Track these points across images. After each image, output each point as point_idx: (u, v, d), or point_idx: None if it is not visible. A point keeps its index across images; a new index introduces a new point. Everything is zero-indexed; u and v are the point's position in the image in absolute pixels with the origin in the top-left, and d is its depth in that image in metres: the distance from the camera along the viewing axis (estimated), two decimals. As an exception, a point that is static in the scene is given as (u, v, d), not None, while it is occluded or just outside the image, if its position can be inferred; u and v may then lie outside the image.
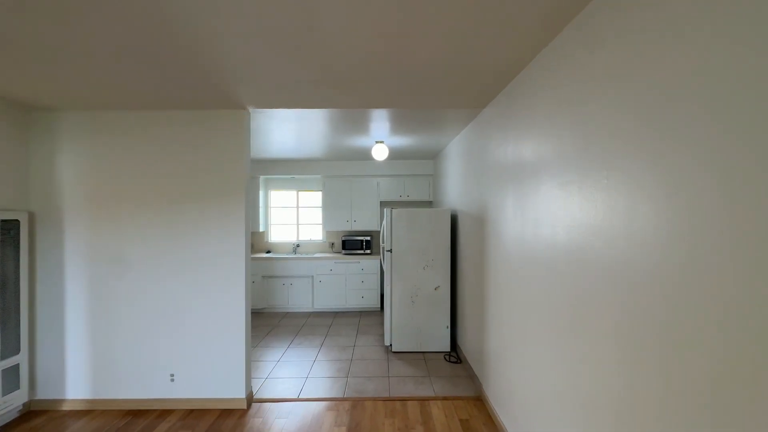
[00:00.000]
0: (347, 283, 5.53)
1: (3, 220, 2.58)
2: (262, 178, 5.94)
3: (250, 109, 2.87)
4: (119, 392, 2.86)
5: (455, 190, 4.15)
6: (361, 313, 5.46)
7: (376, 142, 4.17)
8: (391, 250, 3.94)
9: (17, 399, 2.69)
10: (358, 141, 4.19)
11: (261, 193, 5.95)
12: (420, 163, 5.75)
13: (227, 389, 2.86)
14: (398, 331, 3.92)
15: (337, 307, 5.56)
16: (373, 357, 3.82)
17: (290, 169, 5.76)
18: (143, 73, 2.17)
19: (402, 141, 4.23)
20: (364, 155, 5.10)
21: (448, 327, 3.93)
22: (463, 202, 3.72)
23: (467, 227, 3.53)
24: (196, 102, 2.69)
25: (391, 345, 3.95)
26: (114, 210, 2.84)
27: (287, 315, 5.43)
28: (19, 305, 2.70)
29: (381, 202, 5.87)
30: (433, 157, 5.49)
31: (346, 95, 2.55)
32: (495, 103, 2.67)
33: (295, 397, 3.01)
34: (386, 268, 3.97)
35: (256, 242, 6.16)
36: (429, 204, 5.98)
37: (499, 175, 2.60)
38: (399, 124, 3.49)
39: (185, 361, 2.86)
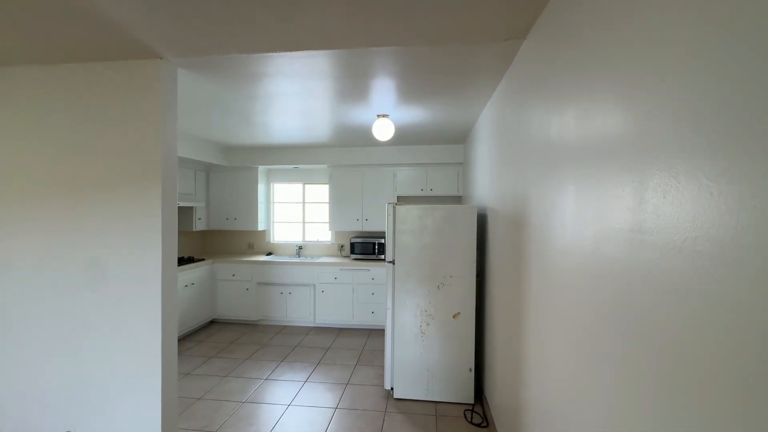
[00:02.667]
0: (355, 295, 4.57)
1: None
2: (261, 168, 5.13)
3: (173, 60, 1.98)
4: (4, 451, 2.13)
5: (485, 181, 3.03)
6: (370, 332, 4.47)
7: (378, 115, 3.14)
8: (393, 261, 2.91)
9: None
10: (363, 115, 3.18)
11: (261, 186, 5.15)
12: (446, 149, 4.62)
13: (141, 458, 2.03)
14: (402, 370, 2.89)
15: (342, 322, 4.62)
16: (366, 406, 2.82)
17: (294, 158, 4.89)
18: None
19: (415, 115, 3.17)
20: (376, 139, 4.09)
21: (471, 369, 2.83)
22: (496, 197, 2.60)
23: (503, 231, 2.41)
24: (85, 50, 1.85)
25: (392, 389, 2.93)
26: (-6, 204, 2.10)
27: (284, 330, 4.59)
28: None
29: (398, 197, 4.83)
30: (462, 140, 4.36)
31: (303, 27, 1.57)
32: (541, 27, 1.55)
33: (237, 474, 2.11)
34: (388, 285, 2.95)
35: (257, 243, 5.39)
36: (458, 200, 4.84)
37: (548, 156, 1.49)
38: (406, 83, 2.43)
39: (88, 412, 2.05)
